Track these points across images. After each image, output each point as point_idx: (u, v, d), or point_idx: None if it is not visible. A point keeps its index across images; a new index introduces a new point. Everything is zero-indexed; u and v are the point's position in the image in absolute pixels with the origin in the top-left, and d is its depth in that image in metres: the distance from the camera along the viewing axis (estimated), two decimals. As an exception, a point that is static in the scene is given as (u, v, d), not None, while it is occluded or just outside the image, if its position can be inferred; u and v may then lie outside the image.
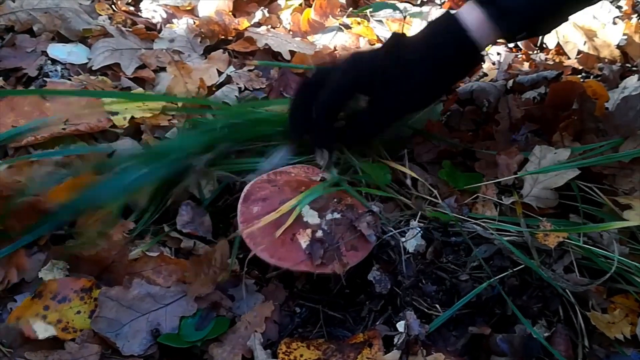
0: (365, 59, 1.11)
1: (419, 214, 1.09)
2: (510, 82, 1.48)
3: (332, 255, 0.97)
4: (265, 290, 1.04)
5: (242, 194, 1.05)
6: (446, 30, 1.08)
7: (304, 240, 0.98)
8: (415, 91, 1.09)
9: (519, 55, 1.74)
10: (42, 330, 0.91)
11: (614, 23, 1.73)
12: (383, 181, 1.14)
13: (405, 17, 1.70)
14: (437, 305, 1.00)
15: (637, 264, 0.99)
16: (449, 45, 1.07)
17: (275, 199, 1.04)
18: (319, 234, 0.99)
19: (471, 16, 1.06)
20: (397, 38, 1.12)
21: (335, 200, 1.05)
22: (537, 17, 1.07)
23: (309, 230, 0.99)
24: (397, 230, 1.06)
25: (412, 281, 1.02)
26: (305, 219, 1.01)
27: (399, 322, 0.95)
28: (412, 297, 1.01)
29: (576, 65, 1.68)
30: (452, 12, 1.09)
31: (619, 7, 1.84)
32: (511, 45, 1.75)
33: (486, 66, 1.67)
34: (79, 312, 0.95)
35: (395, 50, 1.09)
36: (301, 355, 0.92)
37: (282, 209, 1.01)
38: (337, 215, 1.02)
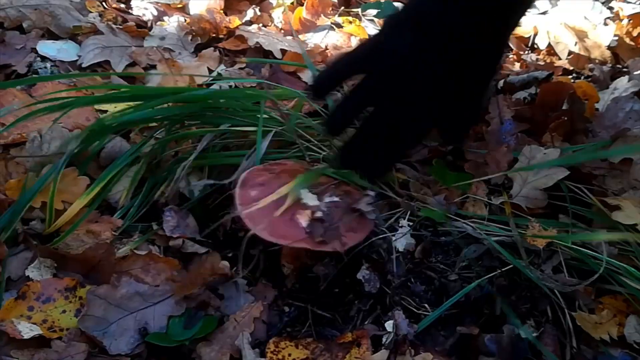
0: None
1: (409, 212, 1.09)
2: (501, 83, 1.48)
3: (332, 234, 0.96)
4: (254, 289, 1.04)
5: (240, 180, 1.04)
6: None
7: (303, 219, 0.97)
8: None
9: (510, 56, 1.74)
10: (27, 330, 0.90)
11: (605, 24, 1.73)
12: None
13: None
14: (426, 305, 1.00)
15: (625, 265, 0.99)
16: None
17: (273, 184, 1.03)
18: (318, 214, 0.99)
19: None
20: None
21: (333, 185, 1.05)
22: None
23: (308, 211, 0.99)
24: (387, 227, 1.06)
25: (401, 281, 1.02)
26: (304, 201, 1.01)
27: (387, 322, 0.95)
28: (400, 297, 1.00)
29: (567, 66, 1.68)
30: None
31: (610, 8, 1.84)
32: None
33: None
34: (64, 312, 0.95)
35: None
36: (289, 355, 0.92)
37: (281, 190, 1.00)
38: (335, 199, 1.02)
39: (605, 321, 0.98)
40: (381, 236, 1.05)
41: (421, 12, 0.97)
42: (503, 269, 1.01)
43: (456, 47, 0.95)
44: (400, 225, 1.07)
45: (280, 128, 1.16)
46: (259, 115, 1.14)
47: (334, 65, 1.04)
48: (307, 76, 1.53)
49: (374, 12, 1.85)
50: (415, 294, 1.01)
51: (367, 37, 1.75)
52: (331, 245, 0.96)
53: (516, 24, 1.07)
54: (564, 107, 1.23)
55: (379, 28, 1.13)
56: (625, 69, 1.59)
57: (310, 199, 1.01)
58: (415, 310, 0.99)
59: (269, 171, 1.07)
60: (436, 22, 0.94)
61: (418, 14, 0.97)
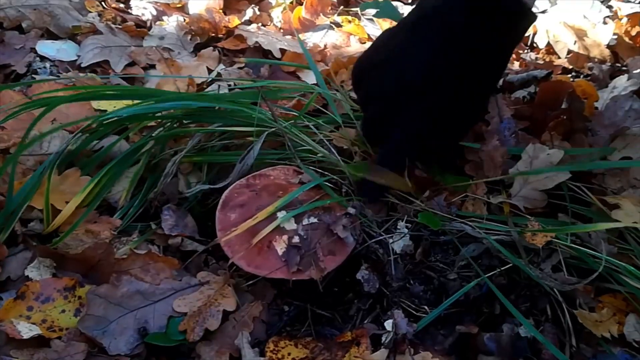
0: None
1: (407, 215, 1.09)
2: (501, 81, 1.48)
3: (309, 261, 0.97)
4: (253, 289, 1.04)
5: (221, 200, 1.06)
6: None
7: (280, 247, 0.98)
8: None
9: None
10: (27, 330, 0.90)
11: (604, 23, 1.73)
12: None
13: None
14: (425, 307, 1.00)
15: (625, 264, 0.98)
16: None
17: (252, 205, 1.04)
18: (295, 239, 0.99)
19: None
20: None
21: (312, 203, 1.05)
22: None
23: (285, 237, 0.99)
24: (383, 230, 1.06)
25: (400, 282, 1.01)
26: (281, 225, 1.01)
27: (387, 321, 0.95)
28: (400, 299, 1.00)
29: (566, 65, 1.68)
30: None
31: (609, 7, 1.84)
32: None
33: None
34: (63, 311, 0.95)
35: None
36: (289, 354, 0.92)
37: (259, 216, 1.01)
38: (313, 220, 1.02)
39: (606, 319, 0.98)
40: (377, 238, 1.05)
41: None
42: (502, 268, 1.01)
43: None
44: (398, 227, 1.07)
45: (286, 124, 1.16)
46: (255, 115, 1.14)
47: None
48: (306, 76, 1.53)
49: (373, 11, 1.85)
50: (414, 294, 1.01)
51: (365, 36, 1.75)
52: (308, 273, 0.97)
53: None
54: (563, 106, 1.23)
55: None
56: (624, 68, 1.59)
57: (287, 223, 1.02)
58: (414, 312, 0.99)
59: (250, 188, 1.08)
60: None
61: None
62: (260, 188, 1.07)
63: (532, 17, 1.00)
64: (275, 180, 1.10)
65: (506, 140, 1.19)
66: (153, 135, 1.19)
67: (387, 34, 1.11)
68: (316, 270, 0.96)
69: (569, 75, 1.64)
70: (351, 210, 1.04)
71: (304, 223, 1.01)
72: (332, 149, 1.15)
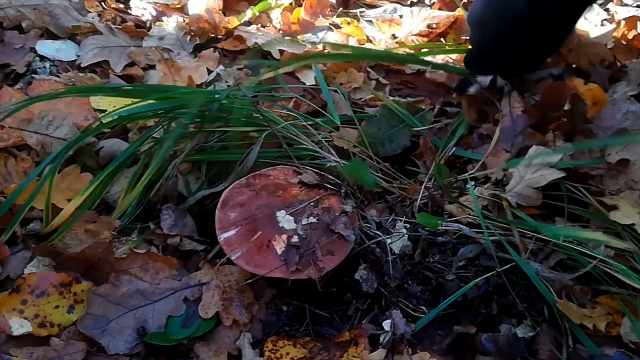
0: None
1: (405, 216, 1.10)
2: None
3: (308, 260, 0.97)
4: (251, 289, 1.04)
5: (220, 200, 1.06)
6: None
7: (279, 246, 0.98)
8: None
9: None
10: (18, 326, 0.90)
11: (602, 25, 1.74)
12: (368, 183, 1.11)
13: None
14: (423, 307, 1.00)
15: (620, 265, 0.99)
16: None
17: (252, 205, 1.05)
18: (295, 239, 0.99)
19: None
20: None
21: (312, 204, 1.05)
22: None
23: (284, 236, 1.00)
24: (382, 230, 1.06)
25: (398, 282, 1.02)
26: (281, 225, 1.01)
27: (385, 321, 0.96)
28: (398, 299, 1.01)
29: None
30: None
31: (607, 10, 1.85)
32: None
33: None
34: (57, 307, 0.95)
35: None
36: (287, 354, 0.92)
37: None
38: (312, 220, 1.03)
39: (596, 315, 0.98)
40: (375, 240, 1.05)
41: None
42: (500, 269, 1.01)
43: None
44: (396, 228, 1.08)
45: (281, 126, 1.16)
46: (256, 115, 1.14)
47: None
48: (305, 77, 1.53)
49: (372, 12, 1.85)
50: (412, 295, 1.02)
51: (364, 37, 1.75)
52: (306, 273, 0.97)
53: None
54: (565, 108, 1.23)
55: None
56: (623, 69, 1.59)
57: (287, 222, 1.02)
58: (412, 312, 1.00)
59: (249, 187, 1.08)
60: None
61: None
62: (259, 188, 1.07)
63: None
64: (275, 180, 1.10)
65: (514, 139, 1.20)
66: (150, 134, 1.19)
67: None
68: (315, 269, 0.96)
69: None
70: (347, 208, 1.05)
71: (303, 223, 1.02)
72: (331, 150, 1.15)
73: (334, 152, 1.15)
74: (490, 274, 1.01)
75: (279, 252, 0.98)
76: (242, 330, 0.97)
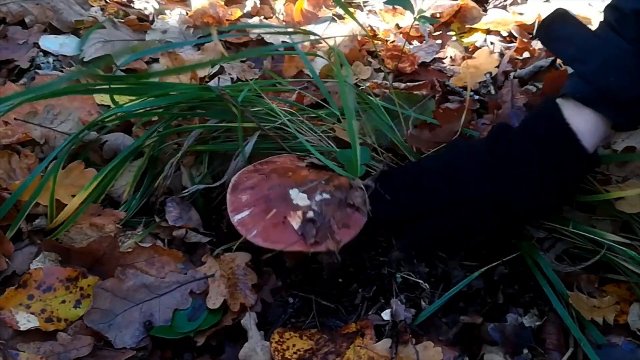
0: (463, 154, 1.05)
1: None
2: (512, 75, 1.48)
3: (325, 233, 0.97)
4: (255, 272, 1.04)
5: (230, 185, 1.05)
6: (557, 140, 0.96)
7: (295, 222, 0.98)
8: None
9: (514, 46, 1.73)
10: (25, 321, 0.91)
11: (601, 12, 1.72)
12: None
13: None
14: (427, 287, 1.01)
15: (628, 250, 0.98)
16: (564, 162, 0.96)
17: (263, 186, 1.04)
18: (310, 214, 0.99)
19: (581, 119, 0.95)
20: (500, 132, 1.03)
21: (323, 182, 1.05)
22: None
23: (299, 212, 0.99)
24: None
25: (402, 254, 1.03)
26: (295, 202, 1.01)
27: (384, 312, 0.96)
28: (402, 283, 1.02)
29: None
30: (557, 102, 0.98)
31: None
32: (505, 34, 1.75)
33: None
34: (63, 302, 0.95)
35: (499, 149, 1.00)
36: (294, 345, 0.92)
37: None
38: (326, 196, 1.03)
39: (605, 306, 0.98)
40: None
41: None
42: (505, 259, 1.01)
43: None
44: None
45: (280, 122, 1.15)
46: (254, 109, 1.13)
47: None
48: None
49: (375, 2, 1.85)
50: (417, 272, 1.02)
51: (368, 28, 1.74)
52: (325, 245, 0.96)
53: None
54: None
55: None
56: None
57: (300, 200, 1.02)
58: (417, 299, 1.00)
59: (258, 172, 1.08)
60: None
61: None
62: (269, 172, 1.07)
63: None
64: (282, 164, 1.10)
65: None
66: (156, 129, 1.19)
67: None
68: (332, 242, 0.96)
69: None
70: (360, 184, 1.05)
71: (316, 199, 1.02)
72: (330, 143, 1.15)
73: (333, 145, 1.14)
74: (496, 263, 1.01)
75: (296, 227, 0.97)
76: (248, 310, 0.96)
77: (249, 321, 0.94)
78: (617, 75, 0.90)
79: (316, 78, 1.15)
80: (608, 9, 0.95)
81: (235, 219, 1.00)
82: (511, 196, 0.96)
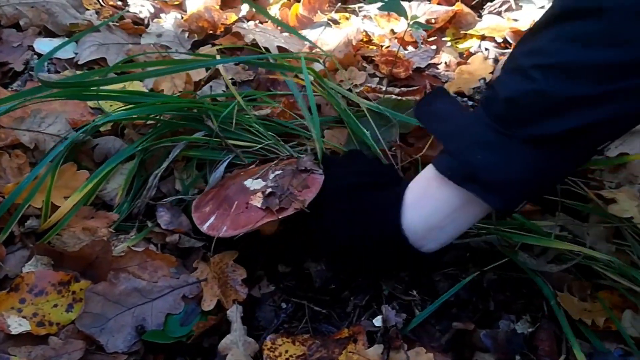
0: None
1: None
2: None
3: (288, 200, 0.99)
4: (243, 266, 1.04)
5: (192, 207, 1.08)
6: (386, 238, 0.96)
7: (257, 202, 1.00)
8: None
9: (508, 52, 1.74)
10: (16, 325, 0.90)
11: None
12: None
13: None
14: (417, 295, 1.02)
15: (618, 260, 0.99)
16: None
17: (221, 193, 1.07)
18: (269, 190, 1.01)
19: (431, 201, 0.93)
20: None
21: (273, 165, 1.09)
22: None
23: (259, 194, 1.01)
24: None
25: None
26: (252, 188, 1.03)
27: (375, 318, 0.97)
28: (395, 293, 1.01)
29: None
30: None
31: None
32: (499, 40, 1.75)
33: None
34: (55, 306, 0.95)
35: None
36: (286, 351, 0.92)
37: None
38: (278, 172, 1.05)
39: (595, 310, 0.98)
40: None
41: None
42: (494, 264, 1.01)
43: None
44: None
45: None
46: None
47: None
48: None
49: (370, 7, 1.85)
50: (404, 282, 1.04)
51: (363, 33, 1.75)
52: (292, 208, 0.98)
53: None
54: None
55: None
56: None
57: (256, 184, 1.04)
58: (410, 301, 1.01)
59: (212, 190, 1.11)
60: None
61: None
62: (221, 183, 1.11)
63: None
64: (234, 173, 1.14)
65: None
66: (149, 135, 1.19)
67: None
68: (298, 203, 0.98)
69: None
70: (304, 156, 1.09)
71: (270, 177, 1.04)
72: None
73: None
74: (485, 269, 1.01)
75: (259, 205, 0.99)
76: (234, 303, 0.97)
77: (235, 313, 0.94)
78: (484, 153, 0.83)
79: (296, 94, 1.16)
80: (487, 89, 0.93)
81: (204, 227, 1.02)
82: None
